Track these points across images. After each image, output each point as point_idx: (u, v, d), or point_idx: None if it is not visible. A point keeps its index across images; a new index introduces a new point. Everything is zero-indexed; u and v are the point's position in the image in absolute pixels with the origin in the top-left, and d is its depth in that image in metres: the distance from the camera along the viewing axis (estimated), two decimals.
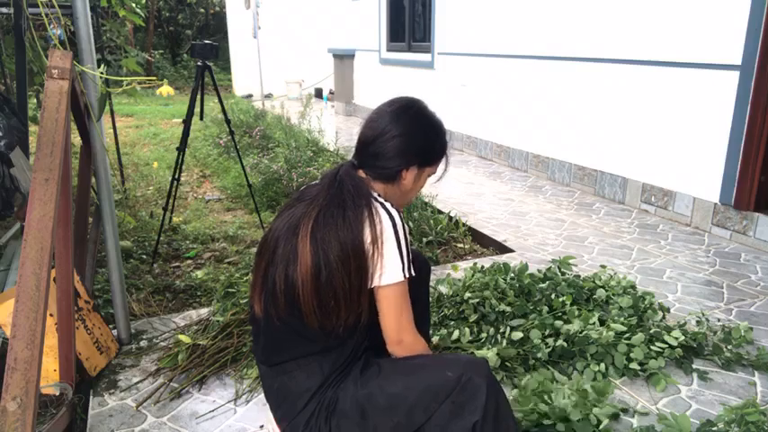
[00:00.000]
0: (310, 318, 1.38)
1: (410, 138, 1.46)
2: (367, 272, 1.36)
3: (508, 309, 2.42)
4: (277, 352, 1.48)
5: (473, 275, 2.72)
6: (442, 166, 1.60)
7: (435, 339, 2.32)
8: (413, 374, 1.39)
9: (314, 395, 1.43)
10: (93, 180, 2.41)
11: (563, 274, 2.75)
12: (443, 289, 2.70)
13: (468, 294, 2.53)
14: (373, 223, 1.36)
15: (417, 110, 1.50)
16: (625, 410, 2.00)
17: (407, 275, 1.39)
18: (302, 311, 1.38)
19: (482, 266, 2.84)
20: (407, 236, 1.41)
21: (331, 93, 10.98)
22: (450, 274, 2.90)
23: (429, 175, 1.57)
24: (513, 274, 2.69)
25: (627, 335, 2.28)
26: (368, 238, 1.35)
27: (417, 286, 1.81)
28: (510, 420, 1.39)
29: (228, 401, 2.07)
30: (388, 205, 1.42)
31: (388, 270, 1.36)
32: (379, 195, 1.46)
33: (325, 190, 1.43)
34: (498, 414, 1.35)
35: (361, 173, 1.49)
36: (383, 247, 1.36)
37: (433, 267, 3.18)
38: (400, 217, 1.41)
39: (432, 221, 3.78)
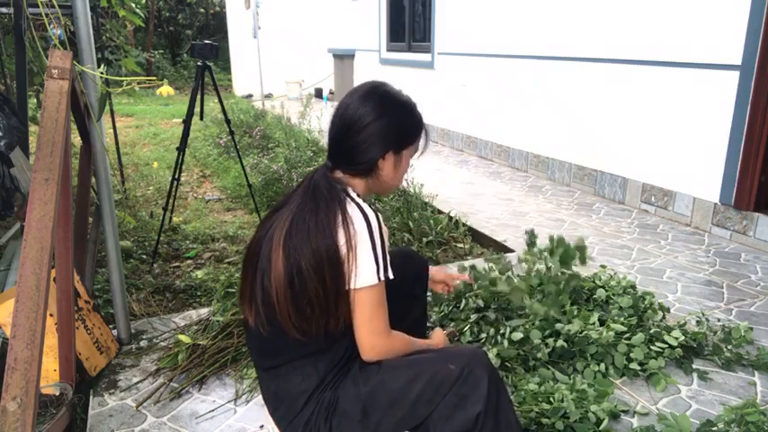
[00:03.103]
0: (288, 326, 1.36)
1: (379, 124, 1.38)
2: (343, 276, 1.33)
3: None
4: (270, 356, 1.47)
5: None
6: (421, 143, 1.53)
7: None
8: (415, 368, 1.38)
9: (311, 396, 1.42)
10: (93, 180, 2.41)
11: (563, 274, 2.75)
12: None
13: (470, 293, 2.53)
14: (347, 225, 1.32)
15: (382, 93, 1.41)
16: (626, 411, 2.00)
17: (382, 278, 1.35)
18: (280, 321, 1.37)
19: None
20: (384, 237, 1.36)
21: (331, 93, 10.99)
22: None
23: (411, 157, 1.50)
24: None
25: (627, 335, 2.28)
26: (342, 240, 1.32)
27: (412, 285, 1.80)
28: (510, 411, 1.40)
29: (228, 401, 2.07)
30: (364, 206, 1.37)
31: (362, 273, 1.32)
32: (358, 194, 1.41)
33: (300, 196, 1.39)
34: (499, 405, 1.36)
35: (338, 173, 1.45)
36: (357, 248, 1.31)
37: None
38: (377, 218, 1.36)
39: (432, 221, 3.78)
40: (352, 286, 1.34)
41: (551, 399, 1.91)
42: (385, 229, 1.39)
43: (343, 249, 1.32)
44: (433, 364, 1.38)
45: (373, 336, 1.38)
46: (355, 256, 1.31)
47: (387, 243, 1.38)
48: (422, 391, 1.35)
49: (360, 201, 1.38)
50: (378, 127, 1.38)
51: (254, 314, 1.43)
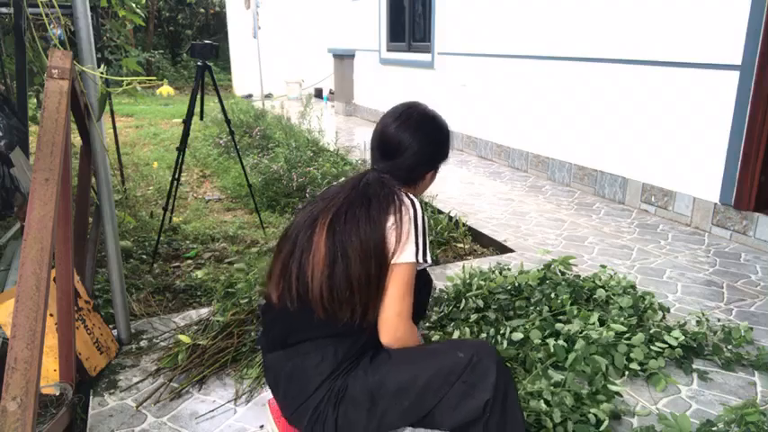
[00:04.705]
0: (317, 305, 1.42)
1: (433, 148, 1.59)
2: (387, 261, 1.41)
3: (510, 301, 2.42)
4: (295, 333, 1.50)
5: (471, 278, 2.72)
6: None
7: (435, 338, 2.32)
8: (424, 358, 1.42)
9: (325, 380, 1.44)
10: (93, 180, 2.41)
11: (563, 274, 2.75)
12: (442, 285, 2.70)
13: (470, 293, 2.53)
14: (398, 209, 1.44)
15: (434, 121, 1.61)
16: (625, 411, 2.00)
17: (419, 260, 1.43)
18: (310, 299, 1.42)
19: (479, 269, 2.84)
20: (426, 227, 1.47)
21: (331, 93, 10.99)
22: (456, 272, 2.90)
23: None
24: (513, 274, 2.69)
25: (627, 335, 2.28)
26: (390, 223, 1.42)
27: (417, 291, 1.82)
28: (517, 407, 1.42)
29: (228, 401, 2.07)
30: (412, 197, 1.52)
31: (405, 249, 1.42)
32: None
33: (348, 190, 1.50)
34: (507, 397, 1.38)
35: (386, 177, 1.56)
36: (402, 227, 1.42)
37: (432, 267, 3.19)
38: (422, 209, 1.49)
39: (432, 221, 3.78)
40: (394, 261, 1.42)
41: (551, 400, 1.91)
42: (427, 221, 1.49)
43: (391, 235, 1.41)
44: (441, 354, 1.42)
45: (400, 317, 1.43)
46: (400, 234, 1.42)
47: (427, 233, 1.48)
48: (430, 379, 1.38)
49: (408, 194, 1.52)
50: (430, 150, 1.59)
51: (281, 290, 1.48)
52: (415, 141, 1.54)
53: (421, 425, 1.45)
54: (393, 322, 1.42)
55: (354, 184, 1.51)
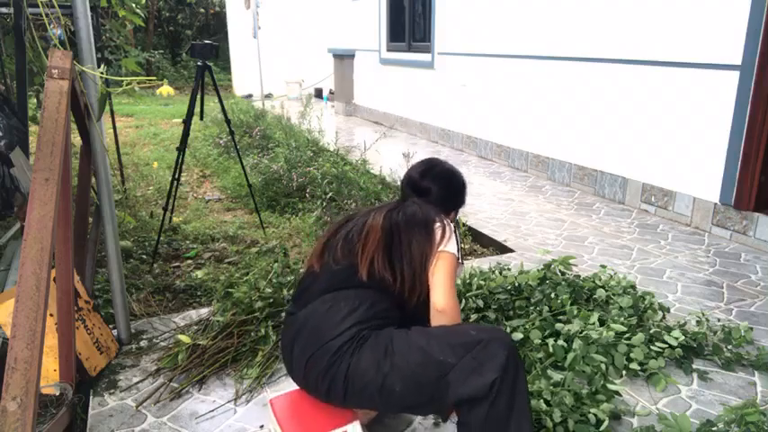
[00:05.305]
0: (362, 266, 1.58)
1: (451, 199, 1.89)
2: (434, 250, 1.62)
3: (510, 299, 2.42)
4: (338, 282, 1.62)
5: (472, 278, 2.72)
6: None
7: None
8: (441, 330, 1.52)
9: (355, 324, 1.52)
10: (93, 180, 2.41)
11: (563, 274, 2.75)
12: None
13: (470, 293, 2.53)
14: (442, 219, 1.70)
15: (453, 175, 1.89)
16: (625, 411, 2.00)
17: (457, 257, 1.64)
18: (356, 262, 1.58)
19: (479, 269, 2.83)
20: (460, 240, 1.69)
21: (331, 93, 10.99)
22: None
23: None
24: (513, 274, 2.69)
25: (627, 335, 2.28)
26: (437, 225, 1.66)
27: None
28: (525, 397, 1.44)
29: (228, 401, 2.07)
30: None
31: (449, 244, 1.64)
32: None
33: (394, 204, 1.74)
34: (517, 381, 1.42)
35: None
36: (446, 229, 1.66)
37: None
38: (456, 229, 1.77)
39: None
40: (440, 248, 1.62)
41: (551, 400, 1.91)
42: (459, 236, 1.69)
43: (437, 233, 1.64)
44: (456, 330, 1.51)
45: (450, 293, 1.58)
46: (444, 232, 1.66)
47: (461, 245, 1.73)
48: (440, 346, 1.45)
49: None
50: (450, 198, 1.89)
51: (325, 258, 1.67)
52: (439, 191, 1.83)
53: (431, 407, 1.49)
54: (443, 296, 1.56)
55: (397, 203, 1.76)
